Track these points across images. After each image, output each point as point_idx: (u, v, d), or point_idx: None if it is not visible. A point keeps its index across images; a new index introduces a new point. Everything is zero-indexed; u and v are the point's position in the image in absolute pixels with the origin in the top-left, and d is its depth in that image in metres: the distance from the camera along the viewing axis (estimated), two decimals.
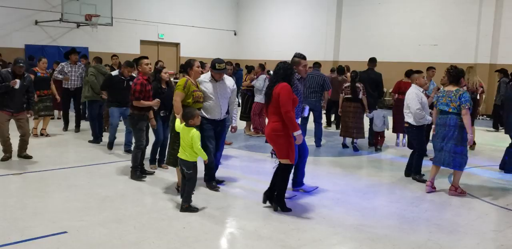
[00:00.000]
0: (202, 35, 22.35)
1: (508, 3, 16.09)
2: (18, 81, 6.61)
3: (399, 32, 18.19)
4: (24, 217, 4.63)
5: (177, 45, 22.15)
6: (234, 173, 6.59)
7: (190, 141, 4.78)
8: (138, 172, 6.11)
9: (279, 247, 4.03)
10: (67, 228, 4.26)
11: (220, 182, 5.95)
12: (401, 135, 9.14)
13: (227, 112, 5.90)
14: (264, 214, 4.90)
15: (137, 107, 5.96)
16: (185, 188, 4.87)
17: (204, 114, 5.61)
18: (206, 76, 5.71)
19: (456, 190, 5.83)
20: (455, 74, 5.79)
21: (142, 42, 20.54)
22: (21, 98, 6.81)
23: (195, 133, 4.80)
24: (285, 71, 4.90)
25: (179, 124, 5.04)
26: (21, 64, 6.70)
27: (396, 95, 8.80)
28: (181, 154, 4.89)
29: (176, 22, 21.16)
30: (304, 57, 5.54)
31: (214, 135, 5.72)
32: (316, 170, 6.95)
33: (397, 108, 8.47)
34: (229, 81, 5.84)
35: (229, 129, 6.14)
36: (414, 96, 6.34)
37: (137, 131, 6.09)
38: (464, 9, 16.80)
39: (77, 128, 9.72)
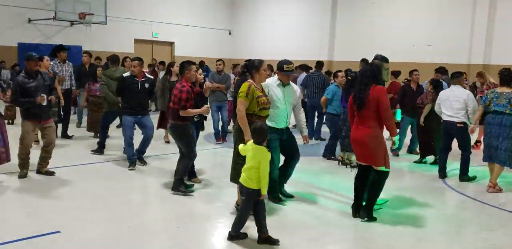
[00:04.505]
0: (197, 34, 22.31)
1: (501, 4, 16.22)
2: (44, 96, 5.72)
3: (393, 32, 18.29)
4: (17, 217, 4.61)
5: (171, 44, 22.10)
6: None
7: (258, 164, 3.95)
8: (183, 186, 5.47)
9: (272, 246, 4.04)
10: (60, 228, 4.23)
11: (290, 196, 5.38)
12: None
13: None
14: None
15: (180, 117, 5.33)
16: (255, 217, 4.09)
17: (268, 122, 4.91)
18: (273, 80, 5.17)
19: (495, 187, 6.04)
20: (509, 76, 6.03)
21: (136, 41, 20.47)
22: (49, 102, 5.91)
23: (266, 155, 3.98)
24: (373, 73, 4.73)
25: (242, 147, 4.24)
26: (35, 57, 5.81)
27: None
28: (241, 178, 4.11)
29: (170, 21, 21.10)
30: (386, 60, 5.19)
31: (285, 144, 5.15)
32: (310, 169, 6.95)
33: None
34: (296, 87, 5.38)
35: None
36: (472, 96, 6.49)
37: (185, 144, 5.43)
38: (458, 10, 16.93)
39: (65, 133, 8.74)
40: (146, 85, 6.52)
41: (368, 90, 4.63)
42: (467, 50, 16.78)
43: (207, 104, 6.29)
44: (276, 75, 5.29)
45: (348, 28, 19.88)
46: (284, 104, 5.10)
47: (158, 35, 21.19)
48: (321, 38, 20.46)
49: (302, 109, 5.53)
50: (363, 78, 4.76)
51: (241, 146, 4.30)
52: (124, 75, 6.58)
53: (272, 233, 4.07)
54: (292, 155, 5.31)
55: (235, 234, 4.10)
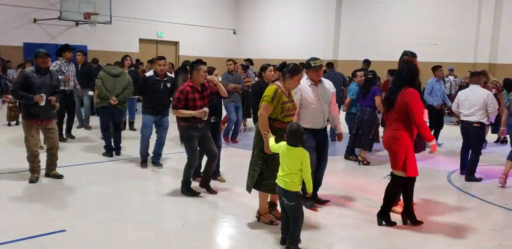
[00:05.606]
0: (201, 33, 22.31)
1: (508, 3, 16.11)
2: (44, 96, 5.53)
3: (398, 31, 18.20)
4: (22, 216, 4.63)
5: (176, 43, 22.11)
6: None
7: (299, 166, 3.80)
8: (191, 190, 5.38)
9: (280, 246, 4.04)
10: (65, 227, 4.25)
11: (324, 202, 5.25)
12: None
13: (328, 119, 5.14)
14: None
15: (182, 118, 5.26)
16: (289, 226, 3.88)
17: (305, 123, 4.75)
18: (305, 81, 4.88)
19: None
20: None
21: (141, 41, 20.49)
22: (49, 102, 5.66)
23: (306, 155, 3.81)
24: (410, 74, 4.45)
25: (274, 144, 4.07)
26: (43, 53, 5.60)
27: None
28: (280, 181, 3.89)
29: (175, 21, 21.11)
30: (415, 56, 4.90)
31: (316, 146, 4.92)
32: None
33: None
34: (328, 84, 5.10)
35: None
36: (492, 96, 6.44)
37: (189, 146, 5.29)
38: (464, 8, 16.84)
39: (68, 133, 8.75)
40: (168, 85, 6.48)
41: (398, 92, 4.44)
42: (473, 49, 16.69)
43: (221, 106, 6.13)
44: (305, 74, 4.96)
45: (353, 27, 19.81)
46: (319, 104, 4.86)
47: (163, 34, 21.21)
48: (325, 38, 20.41)
49: (337, 104, 5.29)
50: (398, 78, 4.53)
51: (272, 141, 4.09)
52: (147, 75, 6.52)
53: (277, 233, 4.07)
54: (319, 160, 5.00)
55: (296, 247, 3.83)
